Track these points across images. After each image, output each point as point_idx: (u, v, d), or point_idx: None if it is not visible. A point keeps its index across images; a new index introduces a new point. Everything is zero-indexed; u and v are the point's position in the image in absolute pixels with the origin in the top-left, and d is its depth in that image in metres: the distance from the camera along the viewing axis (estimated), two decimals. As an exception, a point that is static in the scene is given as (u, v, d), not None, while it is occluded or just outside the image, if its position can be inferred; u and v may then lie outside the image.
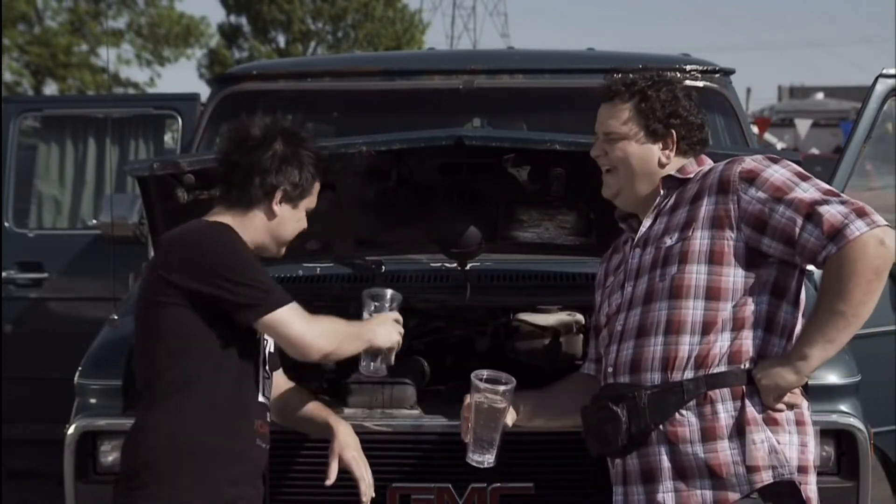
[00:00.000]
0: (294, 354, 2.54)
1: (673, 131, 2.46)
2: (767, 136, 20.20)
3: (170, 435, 2.46)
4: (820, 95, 34.67)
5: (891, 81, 4.25)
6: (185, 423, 2.46)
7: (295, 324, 2.48)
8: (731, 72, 4.11)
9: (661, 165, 2.47)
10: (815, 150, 20.53)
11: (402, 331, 2.69)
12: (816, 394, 2.82)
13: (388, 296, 2.70)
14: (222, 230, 2.52)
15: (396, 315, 2.69)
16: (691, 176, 2.46)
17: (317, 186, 2.69)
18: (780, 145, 19.99)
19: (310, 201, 2.68)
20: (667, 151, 2.47)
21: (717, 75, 4.05)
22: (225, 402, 2.49)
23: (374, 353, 2.66)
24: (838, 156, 4.45)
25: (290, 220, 2.64)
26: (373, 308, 2.70)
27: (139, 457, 2.47)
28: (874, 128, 4.24)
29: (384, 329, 2.64)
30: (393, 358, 2.69)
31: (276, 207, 2.61)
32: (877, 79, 4.26)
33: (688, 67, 3.99)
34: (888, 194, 4.80)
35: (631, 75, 2.50)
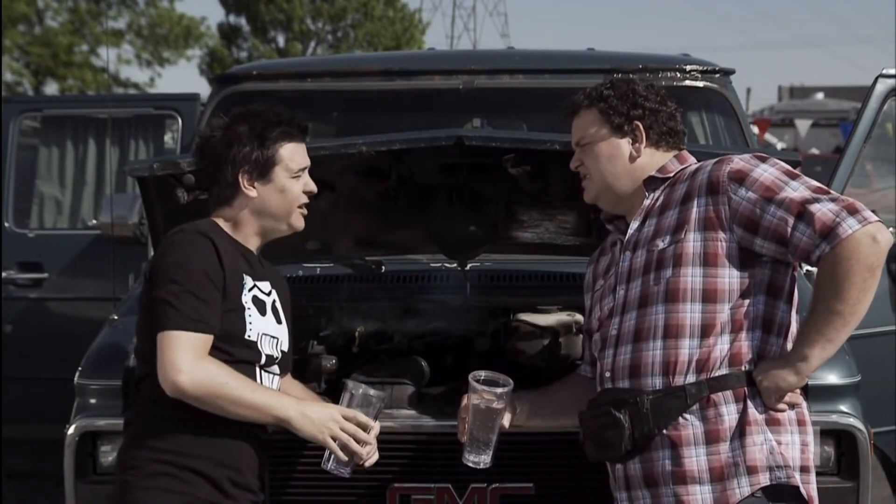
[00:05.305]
0: (160, 380, 2.38)
1: (637, 122, 2.47)
2: (767, 137, 20.19)
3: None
4: (820, 95, 34.62)
5: (891, 81, 4.25)
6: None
7: (173, 351, 2.35)
8: (731, 72, 4.11)
9: (633, 159, 2.47)
10: (815, 150, 20.52)
11: (343, 432, 2.46)
12: (816, 394, 2.82)
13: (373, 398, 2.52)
14: (180, 238, 2.45)
15: (355, 415, 2.49)
16: (671, 175, 2.46)
17: (288, 147, 2.54)
18: (780, 145, 19.97)
19: (284, 166, 2.53)
20: (637, 144, 2.47)
21: (717, 75, 4.05)
22: None
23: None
24: (838, 156, 4.45)
25: (274, 192, 2.53)
26: (348, 398, 2.53)
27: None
28: (874, 128, 4.24)
29: (313, 420, 2.46)
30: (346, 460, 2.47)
31: (248, 191, 2.54)
32: (877, 79, 4.26)
33: (688, 67, 3.99)
34: (888, 195, 4.80)
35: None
